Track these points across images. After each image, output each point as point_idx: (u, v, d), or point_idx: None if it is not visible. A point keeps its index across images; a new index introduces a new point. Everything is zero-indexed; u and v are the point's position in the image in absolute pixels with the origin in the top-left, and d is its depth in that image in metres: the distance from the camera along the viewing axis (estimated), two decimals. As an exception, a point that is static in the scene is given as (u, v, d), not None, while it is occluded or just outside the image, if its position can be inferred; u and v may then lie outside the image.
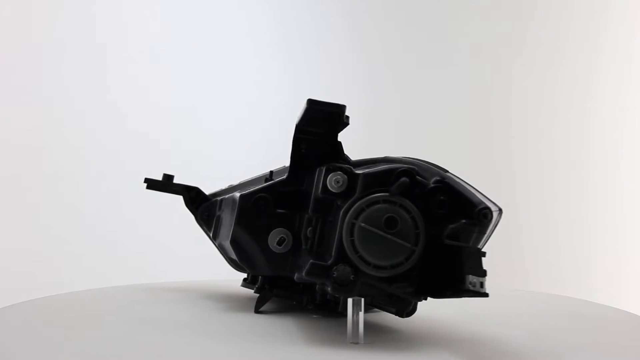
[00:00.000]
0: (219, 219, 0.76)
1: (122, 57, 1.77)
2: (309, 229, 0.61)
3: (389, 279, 0.56)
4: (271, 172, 0.75)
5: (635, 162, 2.13)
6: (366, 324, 0.60)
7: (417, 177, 0.58)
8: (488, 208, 0.57)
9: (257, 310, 0.72)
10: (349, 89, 2.00)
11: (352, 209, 0.57)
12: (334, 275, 0.55)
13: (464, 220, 0.58)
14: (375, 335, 0.63)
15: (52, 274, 1.57)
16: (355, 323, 0.58)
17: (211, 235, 0.78)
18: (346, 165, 0.59)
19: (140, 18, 1.81)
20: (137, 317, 0.70)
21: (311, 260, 0.57)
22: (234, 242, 0.65)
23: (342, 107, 0.63)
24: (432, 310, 0.70)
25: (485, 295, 0.54)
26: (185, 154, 1.78)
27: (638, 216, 2.11)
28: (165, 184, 0.82)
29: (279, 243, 0.64)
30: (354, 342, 0.58)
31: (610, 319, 0.75)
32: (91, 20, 1.74)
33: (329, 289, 0.57)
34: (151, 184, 0.83)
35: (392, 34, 2.07)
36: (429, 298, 0.59)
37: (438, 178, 0.59)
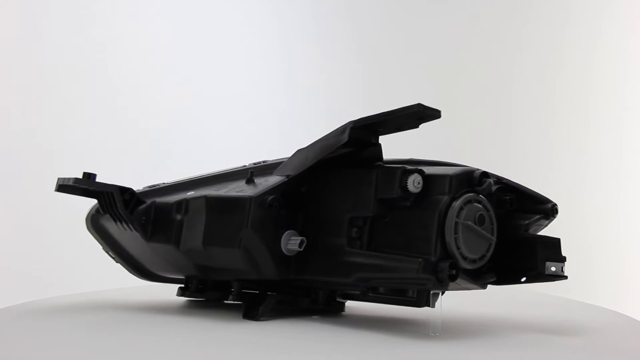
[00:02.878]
0: (180, 223, 0.67)
1: (122, 57, 1.77)
2: (354, 229, 0.63)
3: (476, 271, 0.61)
4: (251, 171, 0.71)
5: (636, 162, 2.12)
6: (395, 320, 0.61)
7: None
8: (556, 204, 0.67)
9: (259, 318, 0.67)
10: (349, 89, 2.00)
11: (453, 208, 0.59)
12: (447, 272, 0.57)
13: (538, 216, 0.66)
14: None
15: (51, 275, 1.56)
16: (437, 316, 0.61)
17: (171, 242, 0.68)
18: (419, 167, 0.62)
19: (140, 18, 1.81)
20: (137, 321, 0.69)
21: (420, 259, 0.58)
22: (243, 247, 0.63)
23: (440, 114, 0.63)
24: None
25: (565, 277, 0.63)
26: (185, 154, 1.77)
27: (638, 216, 2.10)
28: (89, 184, 0.67)
29: (300, 245, 0.64)
30: (435, 334, 0.61)
31: (609, 322, 0.75)
32: (91, 20, 1.74)
33: (430, 285, 0.58)
34: (67, 185, 0.68)
35: (392, 34, 2.07)
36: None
37: (496, 179, 0.65)
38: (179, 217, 0.67)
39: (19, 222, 1.61)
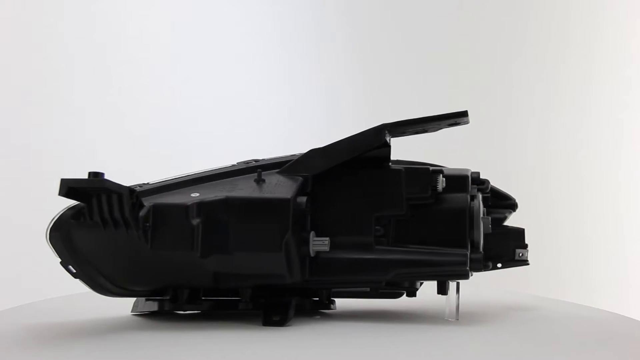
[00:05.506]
0: (199, 227, 0.61)
1: (122, 57, 1.77)
2: (376, 227, 0.66)
3: (485, 259, 0.68)
4: (259, 171, 0.68)
5: (636, 163, 2.12)
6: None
7: None
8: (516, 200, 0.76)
9: (286, 323, 0.64)
10: (349, 89, 2.00)
11: (477, 206, 0.67)
12: (482, 262, 0.66)
13: (510, 210, 0.75)
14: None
15: (51, 276, 1.56)
16: (453, 303, 0.67)
17: (185, 248, 0.61)
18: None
19: (140, 18, 1.81)
20: (141, 325, 0.68)
21: (465, 252, 0.65)
22: (285, 250, 0.62)
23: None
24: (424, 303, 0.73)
25: (528, 263, 0.73)
26: (185, 154, 1.77)
27: (638, 217, 2.10)
28: (105, 184, 0.58)
29: (329, 246, 0.63)
30: (454, 319, 0.67)
31: (609, 324, 0.75)
32: (91, 20, 1.74)
33: (465, 275, 0.65)
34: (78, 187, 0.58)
35: (392, 34, 2.07)
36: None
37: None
38: (196, 221, 0.61)
39: (18, 222, 1.61)
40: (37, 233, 1.68)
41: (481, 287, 0.96)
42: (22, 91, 1.65)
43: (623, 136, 2.14)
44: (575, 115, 2.12)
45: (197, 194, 0.65)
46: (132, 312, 0.72)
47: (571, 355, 0.56)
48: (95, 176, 0.58)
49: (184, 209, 0.61)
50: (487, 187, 0.71)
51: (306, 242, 0.63)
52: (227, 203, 0.62)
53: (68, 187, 0.58)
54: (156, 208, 0.61)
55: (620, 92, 2.14)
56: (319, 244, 0.63)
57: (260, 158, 0.73)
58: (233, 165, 0.72)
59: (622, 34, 2.15)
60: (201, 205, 0.62)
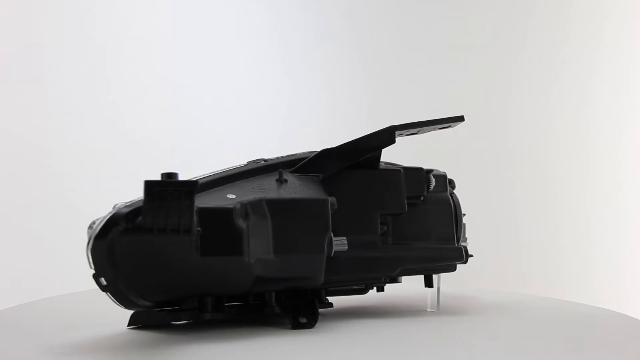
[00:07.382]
0: (243, 230, 0.58)
1: (122, 57, 1.77)
2: (381, 225, 0.68)
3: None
4: (280, 171, 0.66)
5: (635, 162, 2.13)
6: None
7: None
8: None
9: (315, 324, 0.63)
10: (349, 88, 2.00)
11: (458, 203, 0.72)
12: (467, 255, 0.72)
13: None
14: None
15: (51, 276, 1.56)
16: (434, 294, 0.74)
17: (237, 253, 0.58)
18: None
19: (141, 18, 1.81)
20: (146, 333, 0.66)
21: (459, 247, 0.71)
22: (324, 252, 0.62)
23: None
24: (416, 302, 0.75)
25: (472, 255, 0.74)
26: (185, 154, 1.77)
27: (638, 216, 2.11)
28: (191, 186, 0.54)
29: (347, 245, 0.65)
30: (436, 310, 0.72)
31: (610, 322, 0.75)
32: (91, 20, 1.74)
33: (454, 268, 0.71)
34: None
35: (392, 34, 2.07)
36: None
37: None
38: (244, 224, 0.58)
39: (18, 222, 1.61)
40: (37, 233, 1.69)
41: (461, 283, 0.97)
42: (22, 91, 1.65)
43: (623, 136, 2.14)
44: (576, 114, 2.12)
45: (234, 196, 0.61)
46: (128, 326, 0.65)
47: (562, 348, 0.57)
48: (169, 177, 0.52)
49: (231, 211, 0.58)
50: (454, 187, 0.75)
51: (330, 243, 0.62)
52: (271, 204, 0.60)
53: (155, 191, 0.51)
54: (202, 212, 0.56)
55: (620, 91, 2.14)
56: (339, 244, 0.63)
57: (267, 158, 0.71)
58: (245, 165, 0.69)
59: (623, 33, 2.15)
60: (247, 207, 0.59)
